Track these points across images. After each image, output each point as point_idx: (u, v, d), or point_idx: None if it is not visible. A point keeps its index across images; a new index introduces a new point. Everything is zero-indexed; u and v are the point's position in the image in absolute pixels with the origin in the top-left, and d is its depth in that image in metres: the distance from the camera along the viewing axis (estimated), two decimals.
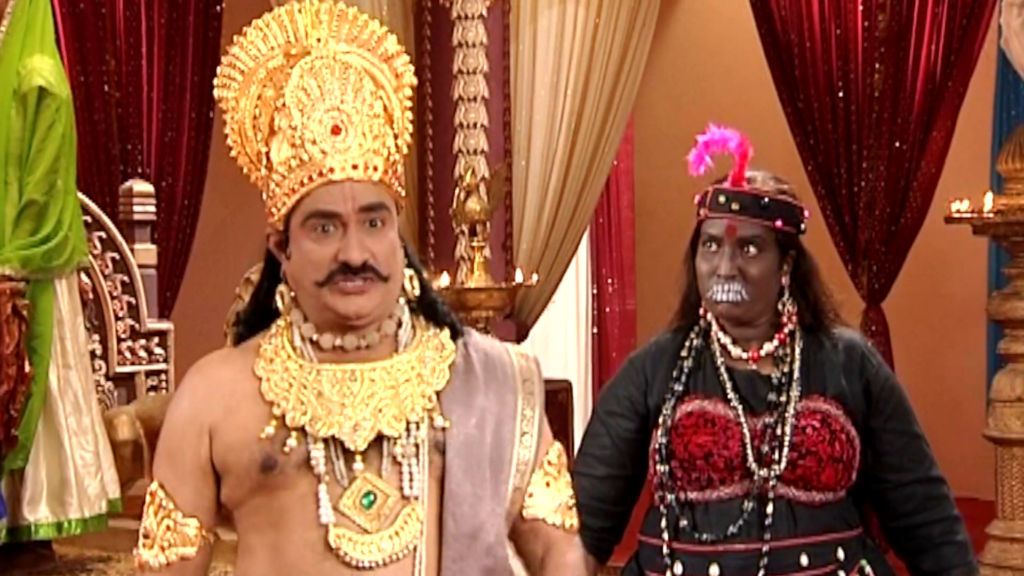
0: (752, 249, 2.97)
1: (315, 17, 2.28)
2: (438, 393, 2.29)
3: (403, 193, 2.28)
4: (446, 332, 2.36)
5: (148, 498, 2.31)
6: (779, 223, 2.97)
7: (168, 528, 2.27)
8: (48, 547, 5.11)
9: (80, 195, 5.32)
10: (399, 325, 2.31)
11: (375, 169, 2.21)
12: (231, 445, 2.23)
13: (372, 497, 2.21)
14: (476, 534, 2.26)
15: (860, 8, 6.85)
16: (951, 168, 6.96)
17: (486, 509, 2.27)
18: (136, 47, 7.18)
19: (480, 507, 2.27)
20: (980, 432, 6.06)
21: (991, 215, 5.87)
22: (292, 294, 2.28)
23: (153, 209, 6.14)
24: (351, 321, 2.23)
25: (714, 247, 2.99)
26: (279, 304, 2.30)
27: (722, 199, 2.98)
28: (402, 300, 2.31)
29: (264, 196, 2.27)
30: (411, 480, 2.23)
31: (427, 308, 2.36)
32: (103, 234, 5.72)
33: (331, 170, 2.19)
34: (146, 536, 2.29)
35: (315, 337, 2.27)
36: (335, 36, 2.28)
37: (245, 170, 2.34)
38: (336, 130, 2.20)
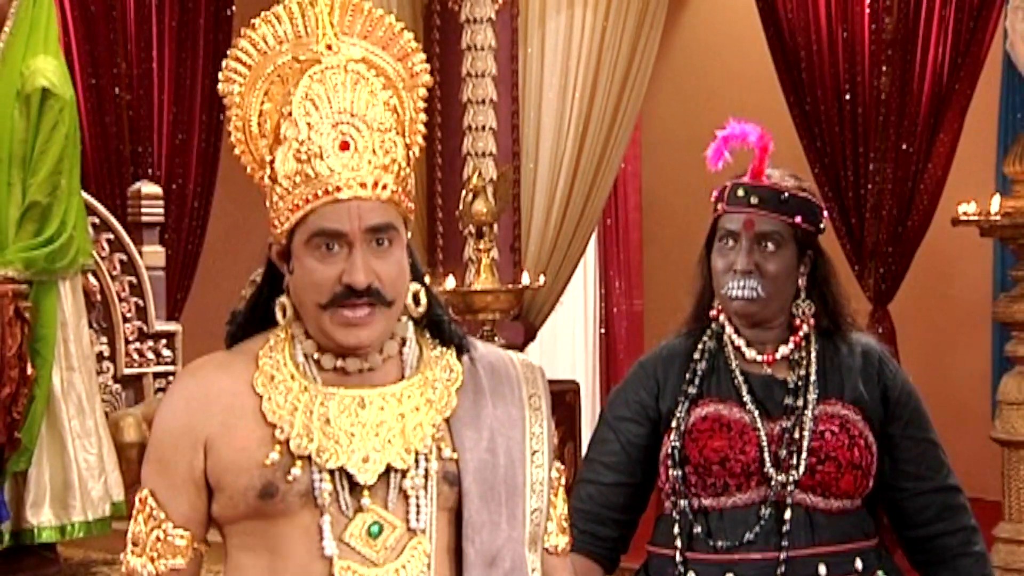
0: (770, 245, 2.89)
1: (327, 10, 2.15)
2: (447, 419, 2.17)
3: (412, 207, 2.15)
4: (452, 351, 2.23)
5: (138, 504, 2.22)
6: (799, 219, 2.91)
7: (158, 539, 2.18)
8: (52, 550, 5.09)
9: (87, 196, 5.29)
10: (403, 343, 2.19)
11: (384, 187, 2.08)
12: (228, 466, 2.11)
13: (379, 528, 2.10)
14: (494, 561, 2.15)
15: (867, 11, 6.86)
16: (958, 170, 6.97)
17: (503, 535, 2.17)
18: (147, 50, 7.16)
19: (497, 533, 2.16)
20: (985, 433, 6.05)
21: (998, 217, 5.87)
22: (293, 307, 2.16)
23: (161, 211, 6.12)
24: (351, 351, 2.13)
25: (731, 243, 2.91)
26: (278, 315, 2.17)
27: (741, 192, 2.91)
28: (404, 317, 2.18)
29: (267, 203, 2.15)
30: (418, 512, 2.11)
31: (432, 324, 2.23)
32: (111, 236, 5.71)
33: (338, 188, 2.06)
34: (135, 544, 2.20)
35: (316, 356, 2.15)
36: (348, 31, 2.16)
37: (248, 170, 2.22)
38: (345, 146, 2.07)
